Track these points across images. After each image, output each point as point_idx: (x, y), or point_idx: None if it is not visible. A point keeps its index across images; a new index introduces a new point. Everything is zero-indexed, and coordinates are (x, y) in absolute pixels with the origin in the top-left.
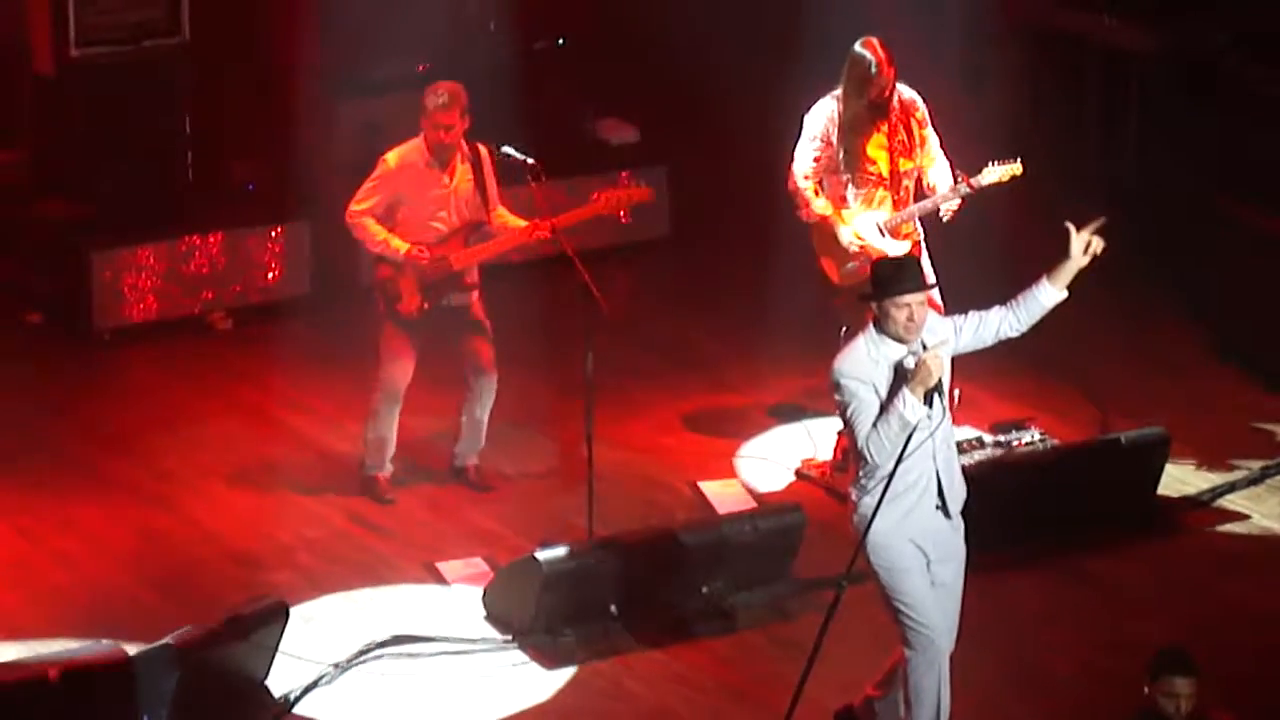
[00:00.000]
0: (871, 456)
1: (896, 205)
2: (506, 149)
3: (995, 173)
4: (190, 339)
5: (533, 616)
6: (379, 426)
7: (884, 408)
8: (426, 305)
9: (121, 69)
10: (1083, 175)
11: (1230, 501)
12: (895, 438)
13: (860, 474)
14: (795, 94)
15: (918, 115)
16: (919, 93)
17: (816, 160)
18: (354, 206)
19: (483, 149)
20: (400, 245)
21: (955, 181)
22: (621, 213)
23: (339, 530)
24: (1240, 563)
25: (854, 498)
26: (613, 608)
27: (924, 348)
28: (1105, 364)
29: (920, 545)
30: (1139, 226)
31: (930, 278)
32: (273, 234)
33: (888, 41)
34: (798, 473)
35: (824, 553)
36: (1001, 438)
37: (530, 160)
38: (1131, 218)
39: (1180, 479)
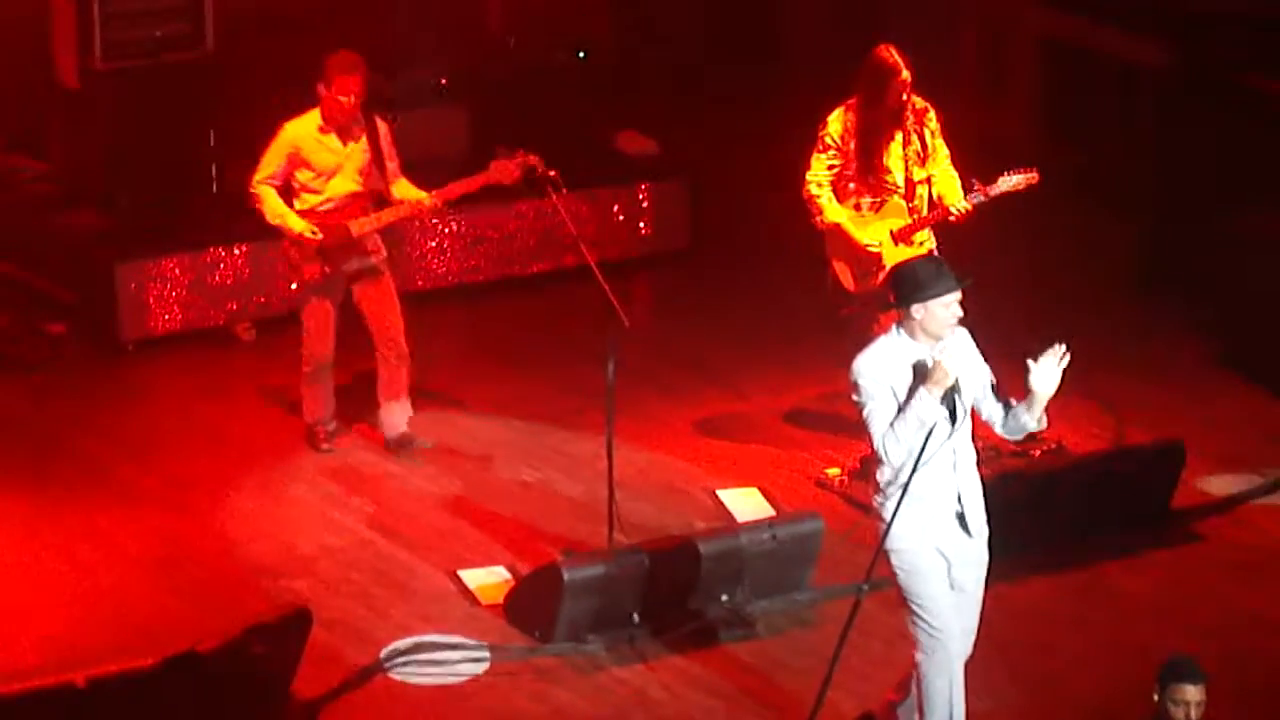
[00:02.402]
0: (886, 456)
1: (912, 213)
2: (531, 162)
3: (1010, 180)
4: (215, 350)
5: (555, 624)
6: (315, 393)
7: (902, 408)
8: (328, 269)
9: (146, 81)
10: (1096, 186)
11: (1245, 510)
12: (911, 437)
13: (880, 479)
14: (812, 106)
15: (931, 124)
16: (932, 104)
17: (831, 168)
18: (255, 177)
19: (380, 122)
20: (296, 224)
21: (971, 189)
22: (512, 179)
23: (361, 538)
24: (1255, 571)
25: (876, 503)
26: (634, 615)
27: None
28: (1120, 374)
29: (942, 551)
30: (1153, 237)
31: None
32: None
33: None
34: (816, 481)
35: (843, 561)
36: (1017, 448)
37: (551, 172)
38: (1145, 229)
39: (1195, 488)
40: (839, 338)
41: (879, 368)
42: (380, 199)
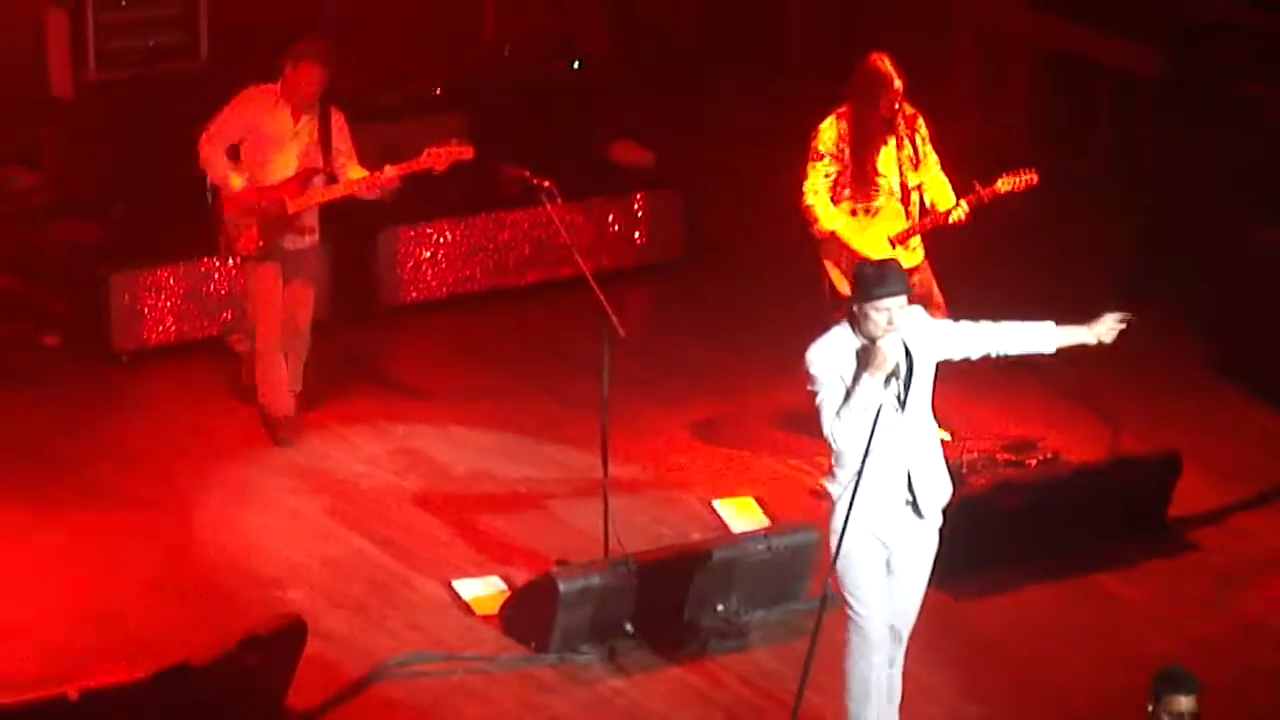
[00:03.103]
0: (835, 441)
1: (906, 218)
2: (521, 172)
3: (1009, 182)
4: (209, 360)
5: (550, 635)
6: (267, 370)
7: (848, 394)
8: (262, 243)
9: (140, 92)
10: (1092, 194)
11: (1241, 520)
12: (856, 421)
13: (832, 465)
14: (808, 115)
15: (921, 131)
16: (922, 112)
17: (827, 176)
18: (205, 134)
19: (335, 111)
20: (236, 182)
21: (971, 191)
22: (442, 166)
23: (355, 549)
24: (1251, 581)
25: (827, 488)
26: (629, 626)
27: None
28: (1116, 383)
29: (880, 537)
30: (1149, 245)
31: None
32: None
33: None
34: (812, 491)
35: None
36: (1013, 457)
37: (545, 183)
38: (1141, 236)
39: (1191, 498)
40: None
41: (828, 356)
42: (317, 177)
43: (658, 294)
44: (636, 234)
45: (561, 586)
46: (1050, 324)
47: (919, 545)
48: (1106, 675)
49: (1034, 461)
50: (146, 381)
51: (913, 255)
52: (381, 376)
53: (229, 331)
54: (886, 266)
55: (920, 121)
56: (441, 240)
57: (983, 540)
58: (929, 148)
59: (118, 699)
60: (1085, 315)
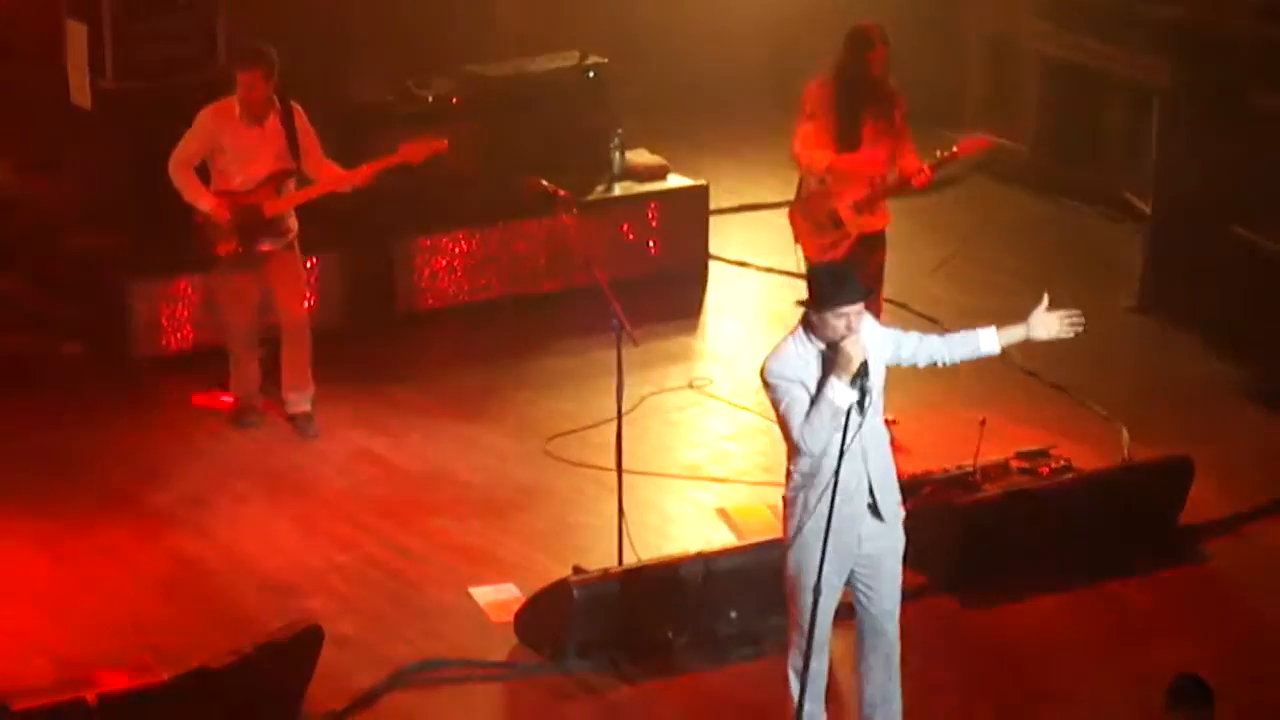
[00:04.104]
0: (806, 446)
1: (874, 185)
2: (538, 182)
3: (966, 145)
4: (226, 368)
5: (564, 642)
6: (240, 370)
7: (814, 400)
8: (240, 249)
9: (157, 101)
10: (1104, 203)
11: (1254, 527)
12: (828, 426)
13: (793, 470)
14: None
15: (901, 107)
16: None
17: (816, 132)
18: (173, 156)
19: (295, 106)
20: (206, 202)
21: (936, 157)
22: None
23: (371, 556)
24: (1263, 588)
25: (787, 493)
26: (643, 633)
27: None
28: (1126, 391)
29: (844, 542)
30: (1159, 252)
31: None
32: (307, 265)
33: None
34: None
35: None
36: (1026, 464)
37: (561, 193)
38: (1152, 245)
39: (1203, 505)
40: None
41: (786, 366)
42: (301, 180)
43: (672, 303)
44: (651, 243)
45: (577, 594)
46: (992, 328)
47: (885, 544)
48: (1119, 684)
49: (1046, 469)
50: (164, 389)
51: (878, 219)
52: (399, 384)
53: None
54: (841, 273)
55: (901, 99)
56: (457, 249)
57: (994, 547)
58: (904, 122)
59: (136, 704)
60: (1097, 325)
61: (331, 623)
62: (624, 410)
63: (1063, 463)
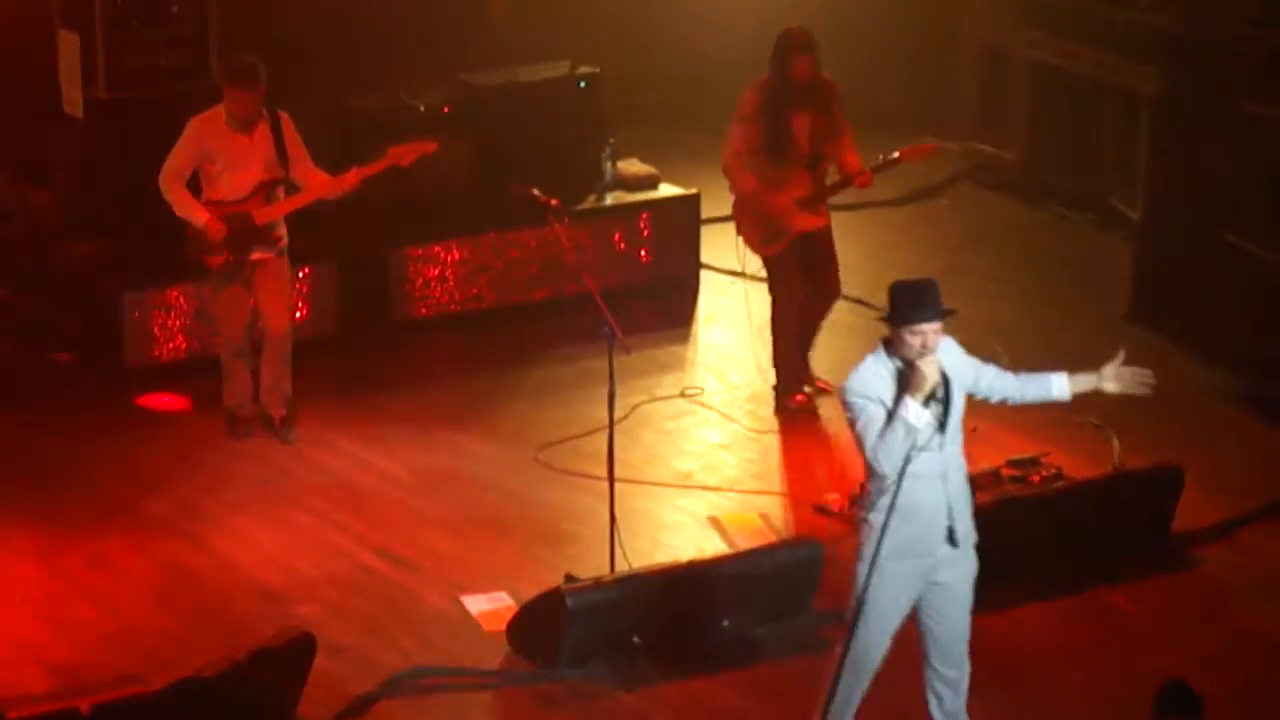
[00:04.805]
0: (879, 465)
1: (814, 183)
2: (529, 190)
3: (910, 150)
4: (218, 378)
5: (557, 650)
6: (230, 377)
7: (890, 418)
8: (232, 258)
9: (150, 111)
10: (1095, 210)
11: (1244, 534)
12: (901, 444)
13: (870, 490)
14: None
15: (839, 101)
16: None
17: (747, 140)
18: (164, 169)
19: (282, 115)
20: (200, 216)
21: (877, 161)
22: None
23: (363, 564)
24: (1255, 595)
25: (862, 515)
26: (636, 640)
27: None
28: (1117, 399)
29: (917, 567)
30: (1149, 261)
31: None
32: (300, 274)
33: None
34: (816, 507)
35: (843, 586)
36: (1017, 472)
37: (553, 202)
38: (1141, 252)
39: (1194, 512)
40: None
41: (866, 384)
42: (290, 188)
43: (663, 312)
44: (642, 252)
45: (569, 602)
46: (1064, 375)
47: (959, 571)
48: (1109, 690)
49: (1037, 477)
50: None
51: (818, 218)
52: (391, 392)
53: None
54: (921, 289)
55: (838, 93)
56: (449, 259)
57: (986, 556)
58: (842, 118)
59: (129, 712)
60: (1087, 333)
61: (324, 631)
62: (616, 419)
63: (1054, 471)
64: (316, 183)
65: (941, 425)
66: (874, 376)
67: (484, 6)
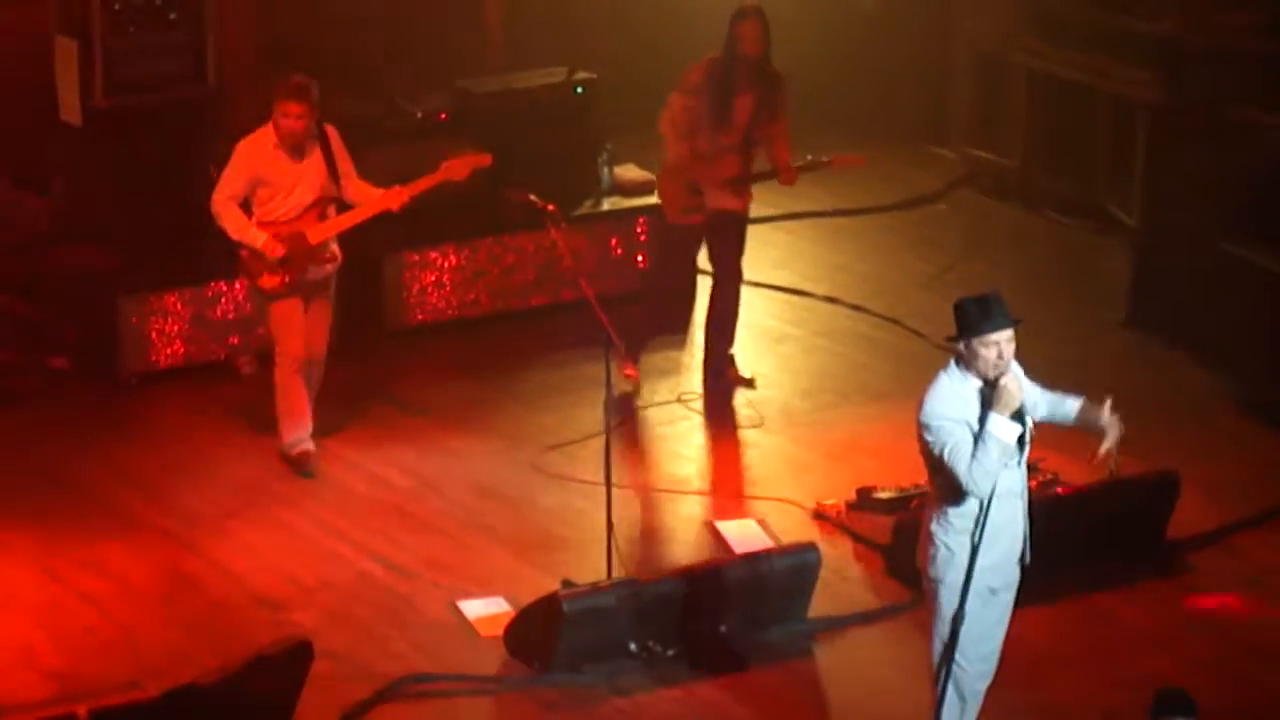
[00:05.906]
0: (977, 487)
1: (742, 166)
2: (526, 196)
3: (839, 157)
4: (216, 383)
5: (554, 655)
6: (288, 397)
7: (978, 438)
8: (287, 279)
9: (148, 117)
10: (1092, 217)
11: (1239, 540)
12: (997, 464)
13: (948, 511)
14: (810, 140)
15: (782, 93)
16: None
17: (686, 109)
18: (217, 194)
19: (329, 129)
20: (257, 237)
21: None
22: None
23: (361, 570)
24: (1249, 601)
25: (937, 537)
26: (632, 646)
27: None
28: (1115, 405)
29: (992, 586)
30: (1144, 268)
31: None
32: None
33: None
34: (814, 512)
35: (840, 592)
36: None
37: (549, 207)
38: (1140, 260)
39: (1189, 518)
40: (845, 371)
41: (948, 406)
42: (339, 206)
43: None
44: (639, 258)
45: (566, 607)
46: (1084, 399)
47: (1013, 591)
48: (1105, 696)
49: (1034, 483)
50: (154, 405)
51: (739, 200)
52: (387, 399)
53: (236, 355)
54: (988, 300)
55: (783, 84)
56: (446, 264)
57: None
58: (784, 110)
59: (126, 718)
60: (1083, 339)
61: (321, 637)
62: (612, 424)
63: (1050, 476)
64: (368, 199)
65: (1021, 441)
66: (954, 397)
67: (481, 13)
